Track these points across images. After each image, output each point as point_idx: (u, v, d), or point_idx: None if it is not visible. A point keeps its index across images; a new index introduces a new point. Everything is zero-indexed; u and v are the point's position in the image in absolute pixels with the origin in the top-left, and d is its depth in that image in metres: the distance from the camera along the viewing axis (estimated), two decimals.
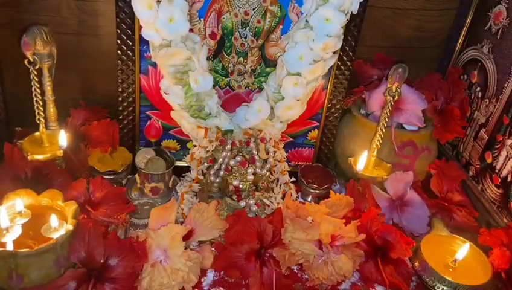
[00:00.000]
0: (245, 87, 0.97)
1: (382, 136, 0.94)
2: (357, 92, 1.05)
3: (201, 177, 0.93)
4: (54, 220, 0.73)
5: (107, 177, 0.92)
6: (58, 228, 0.73)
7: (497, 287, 0.82)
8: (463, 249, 0.84)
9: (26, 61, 0.80)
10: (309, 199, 1.02)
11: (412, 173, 0.96)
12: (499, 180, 0.95)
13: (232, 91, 0.97)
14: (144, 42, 0.87)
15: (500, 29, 0.97)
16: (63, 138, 0.87)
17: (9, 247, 0.69)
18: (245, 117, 0.93)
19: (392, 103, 0.91)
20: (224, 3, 0.87)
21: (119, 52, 0.89)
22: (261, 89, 0.96)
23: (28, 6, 0.98)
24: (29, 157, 0.84)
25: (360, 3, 0.83)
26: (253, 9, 0.88)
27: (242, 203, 0.91)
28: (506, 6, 0.96)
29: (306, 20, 0.84)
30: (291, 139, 1.05)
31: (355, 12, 0.83)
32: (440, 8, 1.11)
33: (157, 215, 0.80)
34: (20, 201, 0.75)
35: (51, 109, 0.88)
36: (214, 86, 0.92)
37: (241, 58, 0.93)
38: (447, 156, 1.09)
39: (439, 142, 1.04)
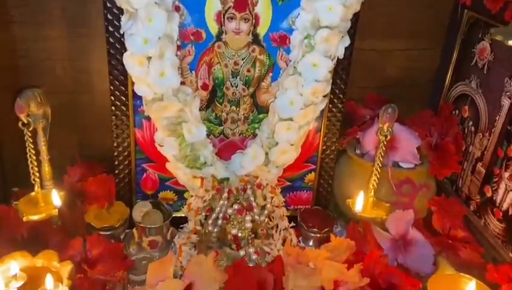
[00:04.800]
0: (239, 135, 0.98)
1: (378, 175, 0.93)
2: (350, 132, 1.06)
3: (199, 227, 0.92)
4: (49, 282, 0.72)
5: (105, 233, 0.91)
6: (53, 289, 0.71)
7: None
8: (470, 288, 0.81)
9: (20, 123, 0.81)
10: (310, 243, 1.00)
11: (412, 211, 0.94)
12: (501, 214, 0.93)
13: (226, 139, 0.98)
14: (137, 97, 0.88)
15: (486, 64, 0.99)
16: (56, 198, 0.87)
17: None
18: (240, 164, 0.93)
19: (385, 143, 0.91)
20: (214, 55, 0.89)
21: (113, 108, 0.91)
22: (255, 136, 0.96)
23: (24, 69, 1.00)
24: (24, 218, 0.84)
25: (346, 47, 0.86)
26: (243, 59, 0.90)
27: (242, 252, 0.89)
28: (489, 42, 0.98)
29: (294, 67, 0.86)
30: (288, 183, 1.04)
31: (341, 57, 0.85)
32: (426, 48, 1.13)
33: (154, 270, 0.78)
34: (15, 264, 0.74)
35: (46, 168, 0.88)
36: (208, 135, 0.93)
37: (233, 107, 0.95)
38: (446, 192, 1.08)
39: (437, 178, 1.03)
